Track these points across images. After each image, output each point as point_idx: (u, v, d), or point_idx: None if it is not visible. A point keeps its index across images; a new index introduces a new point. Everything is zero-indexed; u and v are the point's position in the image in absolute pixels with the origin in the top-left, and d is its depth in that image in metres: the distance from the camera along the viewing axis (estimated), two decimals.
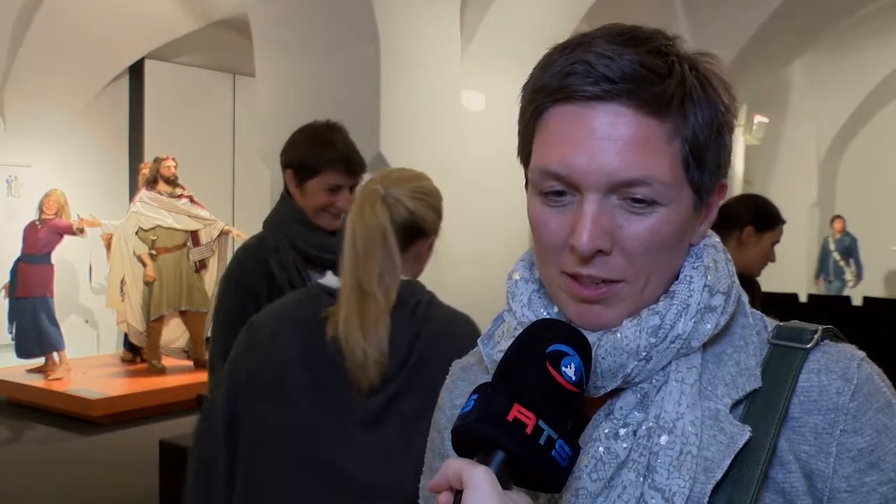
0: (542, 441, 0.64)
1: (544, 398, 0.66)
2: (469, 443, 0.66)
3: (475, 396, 0.67)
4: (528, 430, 0.64)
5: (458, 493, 0.63)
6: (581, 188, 0.72)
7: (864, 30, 10.15)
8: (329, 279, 1.63)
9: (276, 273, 2.17)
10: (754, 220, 2.91)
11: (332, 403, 1.53)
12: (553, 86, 0.73)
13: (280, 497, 1.54)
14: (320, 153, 2.19)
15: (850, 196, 12.29)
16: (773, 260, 3.15)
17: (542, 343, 0.69)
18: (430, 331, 1.54)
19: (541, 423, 0.65)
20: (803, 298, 9.79)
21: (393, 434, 1.50)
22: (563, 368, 0.68)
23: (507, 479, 0.64)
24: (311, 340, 1.55)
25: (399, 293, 1.55)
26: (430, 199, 1.61)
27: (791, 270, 11.65)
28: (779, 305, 8.46)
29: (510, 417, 0.64)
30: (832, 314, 7.82)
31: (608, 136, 0.71)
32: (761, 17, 7.12)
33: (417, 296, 1.58)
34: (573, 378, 0.68)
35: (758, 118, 10.07)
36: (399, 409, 1.51)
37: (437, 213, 1.62)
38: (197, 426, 1.80)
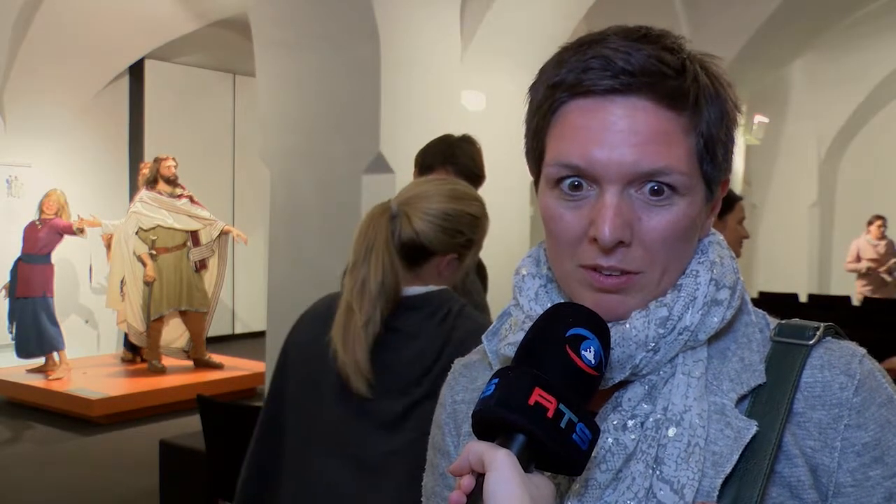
0: (562, 424, 0.65)
1: (565, 382, 0.67)
2: (490, 426, 0.67)
3: (496, 380, 0.68)
4: (549, 414, 0.65)
5: (479, 476, 0.64)
6: (601, 181, 0.73)
7: (864, 30, 10.14)
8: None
9: None
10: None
11: (360, 406, 1.61)
12: (571, 80, 0.74)
13: (315, 481, 1.66)
14: (437, 152, 2.51)
15: (850, 196, 12.29)
16: (746, 236, 3.23)
17: (561, 327, 0.70)
18: (457, 339, 1.60)
19: (561, 406, 0.65)
20: (803, 298, 9.79)
21: (415, 435, 1.56)
22: (583, 352, 0.68)
23: (529, 461, 0.65)
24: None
25: (430, 301, 1.62)
26: (446, 223, 1.60)
27: (791, 270, 11.65)
28: (779, 305, 8.45)
29: (531, 401, 0.65)
30: (832, 314, 7.82)
31: (627, 129, 0.72)
32: (761, 17, 7.13)
33: (448, 304, 1.64)
34: (593, 362, 0.69)
35: (758, 118, 10.06)
36: (421, 413, 1.56)
37: (454, 234, 1.62)
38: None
